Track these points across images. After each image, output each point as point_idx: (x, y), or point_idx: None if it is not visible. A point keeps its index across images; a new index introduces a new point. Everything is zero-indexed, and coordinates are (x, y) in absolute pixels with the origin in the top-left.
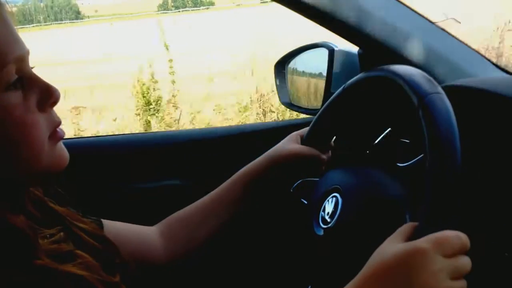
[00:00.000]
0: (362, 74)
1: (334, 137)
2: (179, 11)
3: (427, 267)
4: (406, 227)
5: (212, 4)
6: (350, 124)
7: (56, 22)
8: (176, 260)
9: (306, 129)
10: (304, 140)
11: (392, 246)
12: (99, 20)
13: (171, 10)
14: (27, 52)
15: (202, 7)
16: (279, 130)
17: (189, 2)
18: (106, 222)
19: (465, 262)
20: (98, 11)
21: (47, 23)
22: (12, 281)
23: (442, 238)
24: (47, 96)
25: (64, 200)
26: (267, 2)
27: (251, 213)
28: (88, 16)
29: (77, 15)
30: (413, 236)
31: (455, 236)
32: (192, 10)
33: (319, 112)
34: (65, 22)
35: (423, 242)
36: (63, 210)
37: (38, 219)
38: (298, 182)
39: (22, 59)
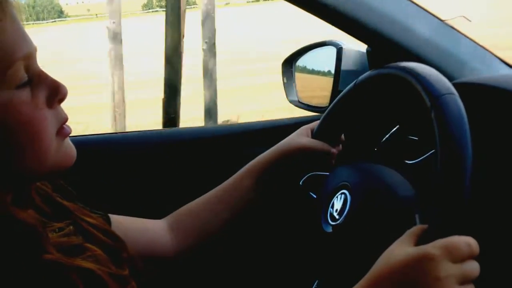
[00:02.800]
0: (374, 70)
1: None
2: (164, 10)
3: (435, 273)
4: (415, 230)
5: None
6: (359, 121)
7: (38, 21)
8: (186, 254)
9: (316, 123)
10: (314, 134)
11: (401, 250)
12: (82, 19)
13: (155, 9)
14: (35, 49)
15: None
16: (288, 128)
17: None
18: (113, 217)
19: (473, 267)
20: (91, 10)
21: (28, 22)
22: (22, 275)
23: (451, 244)
24: (55, 92)
25: (71, 195)
26: (252, 1)
27: (260, 207)
28: (77, 15)
29: (59, 14)
30: (422, 240)
31: (464, 242)
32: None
33: (330, 106)
34: (47, 22)
35: (432, 247)
36: (71, 204)
37: (47, 213)
38: (307, 175)
39: (30, 56)
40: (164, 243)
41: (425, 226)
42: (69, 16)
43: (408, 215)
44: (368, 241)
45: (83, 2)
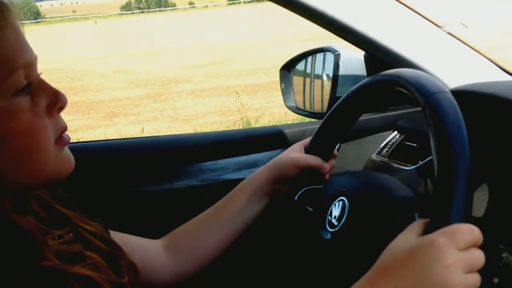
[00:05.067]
0: (367, 79)
1: (338, 145)
2: (142, 12)
3: (440, 260)
4: (417, 223)
5: (192, 3)
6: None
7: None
8: (181, 273)
9: (309, 139)
10: (307, 149)
11: (405, 240)
12: (59, 20)
13: (133, 11)
14: (35, 58)
15: (167, 8)
16: (286, 134)
17: (153, 4)
18: (112, 232)
19: (478, 255)
20: (76, 11)
21: None
22: (22, 282)
23: (455, 230)
24: (55, 101)
25: (70, 203)
26: (235, 3)
27: (256, 222)
28: (62, 16)
29: (36, 16)
30: (425, 231)
31: (468, 229)
32: (158, 11)
33: (322, 121)
34: (25, 23)
35: (436, 235)
36: (69, 212)
37: (47, 220)
38: (302, 190)
39: (30, 64)
40: (159, 262)
41: (427, 219)
42: (45, 18)
43: (407, 218)
44: (368, 245)
45: (77, 3)
